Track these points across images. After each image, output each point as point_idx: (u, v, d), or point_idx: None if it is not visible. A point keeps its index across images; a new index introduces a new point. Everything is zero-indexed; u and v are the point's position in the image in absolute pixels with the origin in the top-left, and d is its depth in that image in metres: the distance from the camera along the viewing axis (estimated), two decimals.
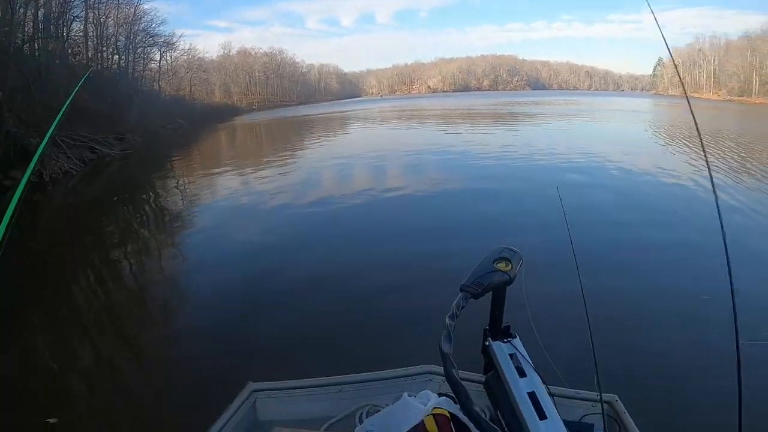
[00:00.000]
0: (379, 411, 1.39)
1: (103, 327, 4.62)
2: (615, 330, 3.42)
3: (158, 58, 32.23)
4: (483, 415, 0.81)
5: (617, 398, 1.30)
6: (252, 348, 3.69)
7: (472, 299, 1.01)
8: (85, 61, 22.38)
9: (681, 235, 6.02)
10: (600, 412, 1.32)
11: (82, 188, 13.40)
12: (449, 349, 0.89)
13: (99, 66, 22.68)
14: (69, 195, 12.52)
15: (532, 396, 1.01)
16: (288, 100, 77.42)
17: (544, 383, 1.06)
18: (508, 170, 11.19)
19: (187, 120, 34.01)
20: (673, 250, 5.44)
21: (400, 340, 3.50)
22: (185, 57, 43.30)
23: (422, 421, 1.15)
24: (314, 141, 22.25)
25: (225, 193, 10.70)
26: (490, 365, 1.15)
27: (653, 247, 5.56)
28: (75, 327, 4.62)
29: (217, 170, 14.42)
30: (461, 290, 1.01)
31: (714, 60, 67.94)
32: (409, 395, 1.30)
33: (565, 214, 1.47)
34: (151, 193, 11.76)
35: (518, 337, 1.16)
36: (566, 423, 1.00)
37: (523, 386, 1.03)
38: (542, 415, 0.98)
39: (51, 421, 2.59)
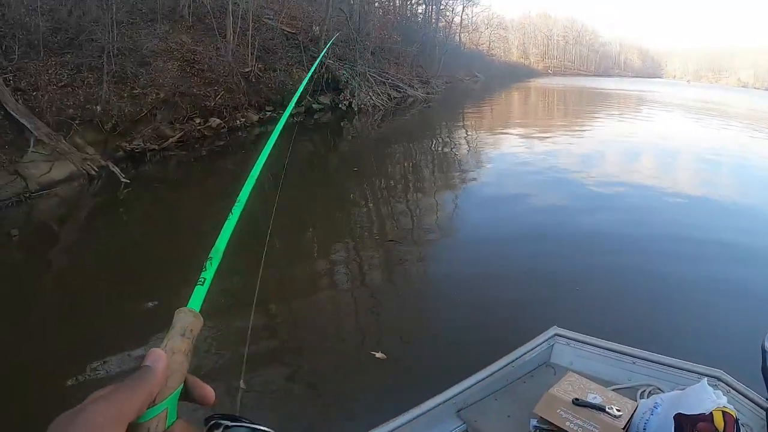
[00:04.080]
0: (660, 394, 1.48)
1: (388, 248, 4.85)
2: None
3: (460, 11, 31.55)
4: None
5: None
6: (557, 296, 3.87)
7: None
8: (393, 8, 22.95)
9: None
10: None
11: (383, 121, 14.13)
12: None
13: (408, 13, 22.77)
14: (373, 125, 13.35)
15: None
16: (585, 69, 71.51)
17: None
18: None
19: (484, 74, 33.62)
20: None
21: (709, 338, 3.41)
22: (485, 13, 42.95)
23: (711, 412, 1.20)
24: (608, 118, 18.84)
25: (510, 154, 10.37)
26: None
27: None
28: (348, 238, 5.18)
29: (505, 129, 14.21)
30: None
31: None
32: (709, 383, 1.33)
33: None
34: (440, 138, 12.34)
35: None
36: None
37: None
38: None
39: (378, 355, 2.93)
